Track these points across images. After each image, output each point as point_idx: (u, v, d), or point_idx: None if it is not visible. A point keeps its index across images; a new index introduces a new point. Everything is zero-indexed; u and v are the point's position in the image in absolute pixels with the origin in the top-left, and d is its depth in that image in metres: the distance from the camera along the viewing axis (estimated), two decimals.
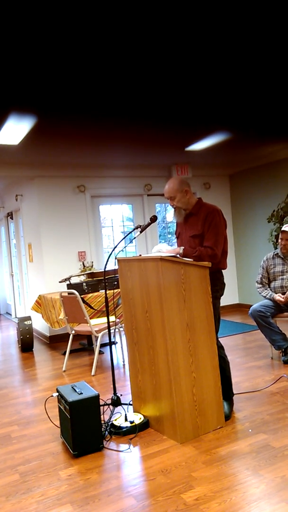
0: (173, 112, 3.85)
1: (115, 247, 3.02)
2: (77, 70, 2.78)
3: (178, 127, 4.35)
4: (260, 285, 4.22)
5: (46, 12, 2.08)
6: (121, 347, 4.72)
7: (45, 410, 3.34)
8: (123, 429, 2.77)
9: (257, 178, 6.60)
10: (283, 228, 4.08)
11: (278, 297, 3.99)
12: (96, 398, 2.58)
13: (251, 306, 4.17)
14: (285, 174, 6.06)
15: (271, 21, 2.36)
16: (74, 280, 5.49)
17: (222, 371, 2.87)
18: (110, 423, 2.84)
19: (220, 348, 2.91)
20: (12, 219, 7.71)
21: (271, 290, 4.13)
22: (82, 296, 4.71)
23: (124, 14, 2.15)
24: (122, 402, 3.17)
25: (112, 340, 5.51)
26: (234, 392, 3.27)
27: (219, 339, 2.92)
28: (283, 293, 4.03)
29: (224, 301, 7.15)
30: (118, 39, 2.41)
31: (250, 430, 2.68)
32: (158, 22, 2.26)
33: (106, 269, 5.19)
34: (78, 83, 2.99)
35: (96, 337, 4.29)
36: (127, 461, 2.45)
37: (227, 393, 2.95)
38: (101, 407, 2.99)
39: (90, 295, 4.99)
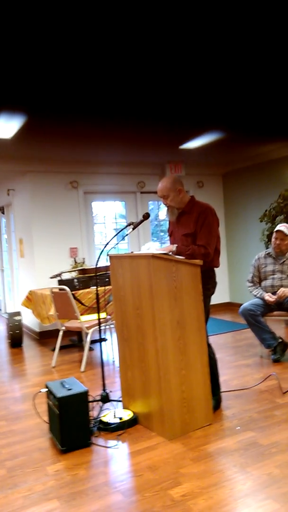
0: (167, 110, 3.84)
1: (107, 243, 3.01)
2: (70, 67, 2.76)
3: (172, 125, 4.35)
4: (251, 284, 4.24)
5: (36, 13, 2.06)
6: (111, 344, 4.71)
7: (34, 405, 3.33)
8: (112, 425, 2.77)
9: (250, 177, 6.63)
10: (277, 228, 4.09)
11: (268, 296, 4.01)
12: (85, 394, 2.58)
13: (241, 304, 4.19)
14: (278, 174, 6.09)
15: (265, 20, 2.37)
16: (65, 276, 5.46)
17: (209, 368, 2.87)
18: (98, 419, 2.84)
19: (208, 346, 2.91)
20: (3, 213, 7.65)
21: (262, 289, 4.16)
22: (73, 292, 4.70)
23: (118, 11, 2.14)
24: (111, 398, 3.17)
25: (102, 336, 5.50)
26: (223, 389, 3.29)
27: (208, 337, 2.93)
28: (274, 292, 4.06)
29: (215, 299, 7.12)
30: (110, 35, 2.39)
31: (238, 428, 2.69)
32: (153, 19, 2.25)
33: (98, 266, 5.18)
34: (72, 79, 2.97)
35: (86, 334, 4.28)
36: (115, 457, 2.45)
37: (213, 390, 2.96)
38: (90, 403, 2.99)
39: (81, 291, 4.97)
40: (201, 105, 3.77)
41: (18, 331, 5.35)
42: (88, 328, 4.24)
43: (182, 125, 4.40)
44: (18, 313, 5.42)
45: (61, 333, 4.48)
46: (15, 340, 5.38)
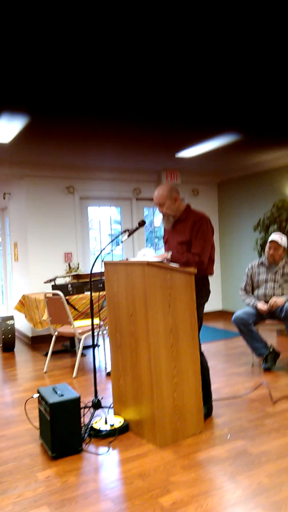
0: (164, 118, 3.88)
1: (102, 250, 3.02)
2: (69, 71, 2.79)
3: (169, 133, 4.39)
4: (244, 293, 4.28)
5: (38, 13, 2.08)
6: (104, 350, 4.71)
7: (25, 411, 3.31)
8: (103, 432, 2.76)
9: (244, 187, 6.69)
10: (271, 238, 4.13)
11: (260, 305, 4.04)
12: (77, 400, 2.58)
13: (234, 312, 4.22)
14: (272, 184, 6.16)
15: (263, 20, 2.41)
16: (60, 281, 5.46)
17: (201, 376, 2.89)
18: (90, 425, 2.84)
19: (201, 354, 2.93)
20: None
21: (254, 297, 4.19)
22: (66, 297, 4.69)
23: (118, 12, 2.17)
24: (103, 405, 3.16)
25: (95, 342, 5.49)
26: (215, 397, 3.30)
27: (201, 344, 2.95)
28: (266, 301, 4.09)
29: (208, 307, 7.17)
30: (110, 37, 2.42)
31: (228, 436, 2.70)
32: (151, 18, 2.28)
33: (92, 272, 5.18)
34: (70, 84, 3.00)
35: (79, 339, 4.28)
36: (106, 464, 2.45)
37: (204, 398, 2.97)
38: (82, 410, 2.98)
39: (74, 296, 4.97)
40: (199, 113, 3.81)
41: (10, 336, 5.33)
42: (81, 334, 4.24)
43: (179, 134, 4.45)
44: (11, 317, 5.40)
45: (53, 338, 4.47)
46: (7, 345, 5.35)
